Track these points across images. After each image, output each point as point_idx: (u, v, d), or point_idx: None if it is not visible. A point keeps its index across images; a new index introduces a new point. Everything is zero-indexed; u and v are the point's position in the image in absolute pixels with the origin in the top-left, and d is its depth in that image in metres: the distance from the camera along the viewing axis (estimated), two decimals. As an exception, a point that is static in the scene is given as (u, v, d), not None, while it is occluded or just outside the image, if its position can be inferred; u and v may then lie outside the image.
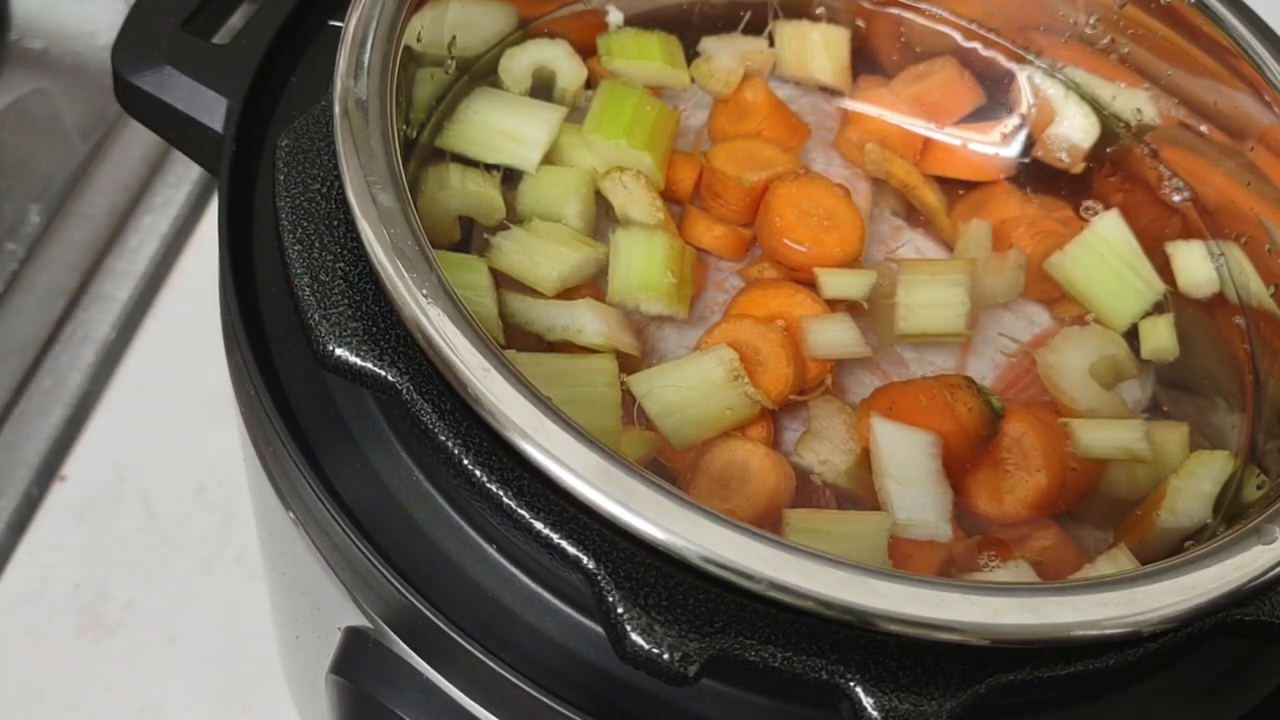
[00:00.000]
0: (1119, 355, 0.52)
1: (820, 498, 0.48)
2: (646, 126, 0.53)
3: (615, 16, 0.59)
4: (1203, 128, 0.57)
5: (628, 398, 0.47)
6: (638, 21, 0.59)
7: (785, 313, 0.50)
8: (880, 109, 0.59)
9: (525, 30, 0.58)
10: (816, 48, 0.60)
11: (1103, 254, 0.54)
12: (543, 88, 0.56)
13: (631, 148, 0.53)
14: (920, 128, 0.59)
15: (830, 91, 0.60)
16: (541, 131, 0.53)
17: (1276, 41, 0.54)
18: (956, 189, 0.58)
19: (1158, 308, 0.54)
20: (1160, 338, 0.53)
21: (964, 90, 0.60)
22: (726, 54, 0.59)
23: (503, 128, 0.53)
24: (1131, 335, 0.54)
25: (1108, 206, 0.56)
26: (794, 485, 0.47)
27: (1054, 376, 0.51)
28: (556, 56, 0.56)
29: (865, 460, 0.47)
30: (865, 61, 0.61)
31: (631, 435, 0.47)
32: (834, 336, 0.50)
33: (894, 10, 0.62)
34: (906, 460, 0.46)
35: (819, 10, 0.62)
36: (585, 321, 0.48)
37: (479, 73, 0.56)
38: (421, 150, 0.53)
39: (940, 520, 0.46)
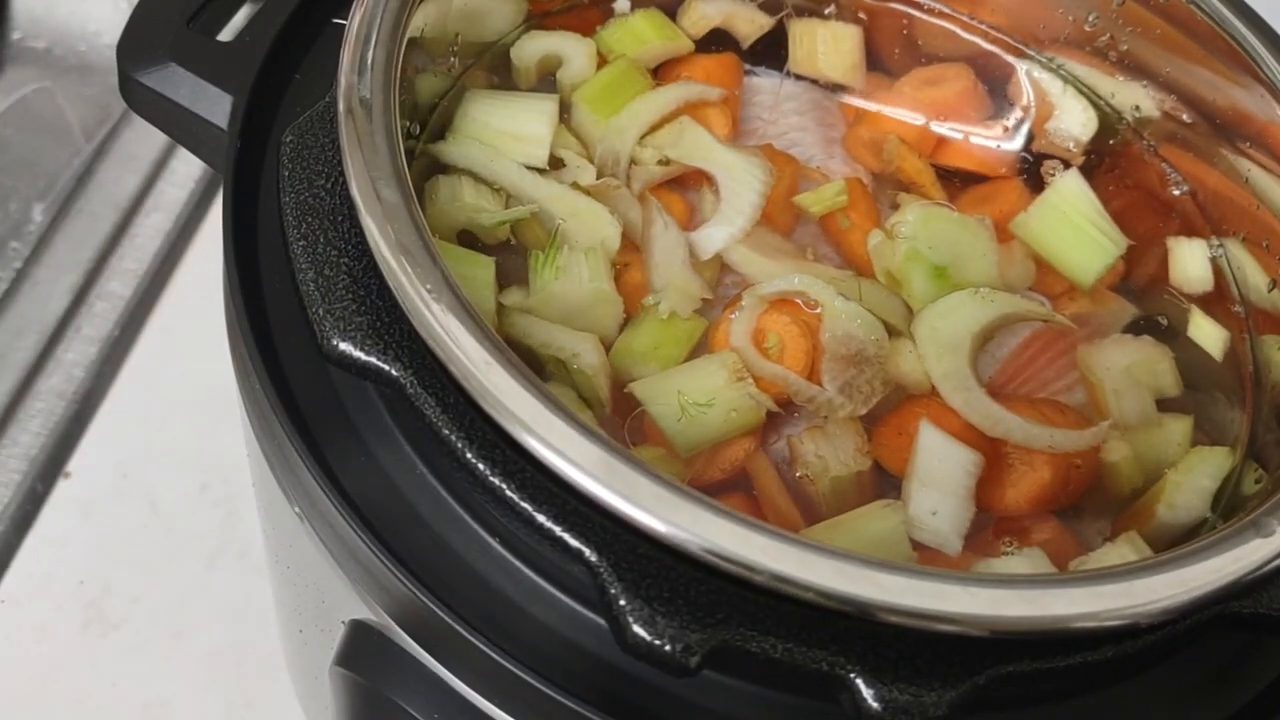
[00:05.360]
0: (1164, 368, 0.53)
1: (799, 497, 0.48)
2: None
3: (623, 4, 0.59)
4: (1200, 123, 0.57)
5: (630, 404, 0.48)
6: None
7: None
8: (893, 109, 0.60)
9: (529, 25, 0.58)
10: (828, 45, 0.60)
11: (1065, 212, 0.55)
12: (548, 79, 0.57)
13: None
14: (933, 127, 0.60)
15: (839, 89, 0.61)
16: (541, 124, 0.53)
17: (1273, 38, 0.54)
18: (963, 183, 0.59)
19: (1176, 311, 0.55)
20: (1208, 339, 0.54)
21: (978, 100, 0.60)
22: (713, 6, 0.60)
23: (503, 129, 0.53)
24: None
25: (1107, 200, 0.57)
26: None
27: (1098, 372, 0.52)
28: (567, 45, 0.57)
29: (862, 480, 0.48)
30: (867, 57, 0.61)
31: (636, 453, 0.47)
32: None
33: (896, 5, 0.62)
34: (943, 470, 0.47)
35: (828, 10, 0.62)
36: (584, 352, 0.48)
37: (483, 68, 0.56)
38: (425, 155, 0.53)
39: (954, 533, 0.46)
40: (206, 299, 0.72)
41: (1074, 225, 0.55)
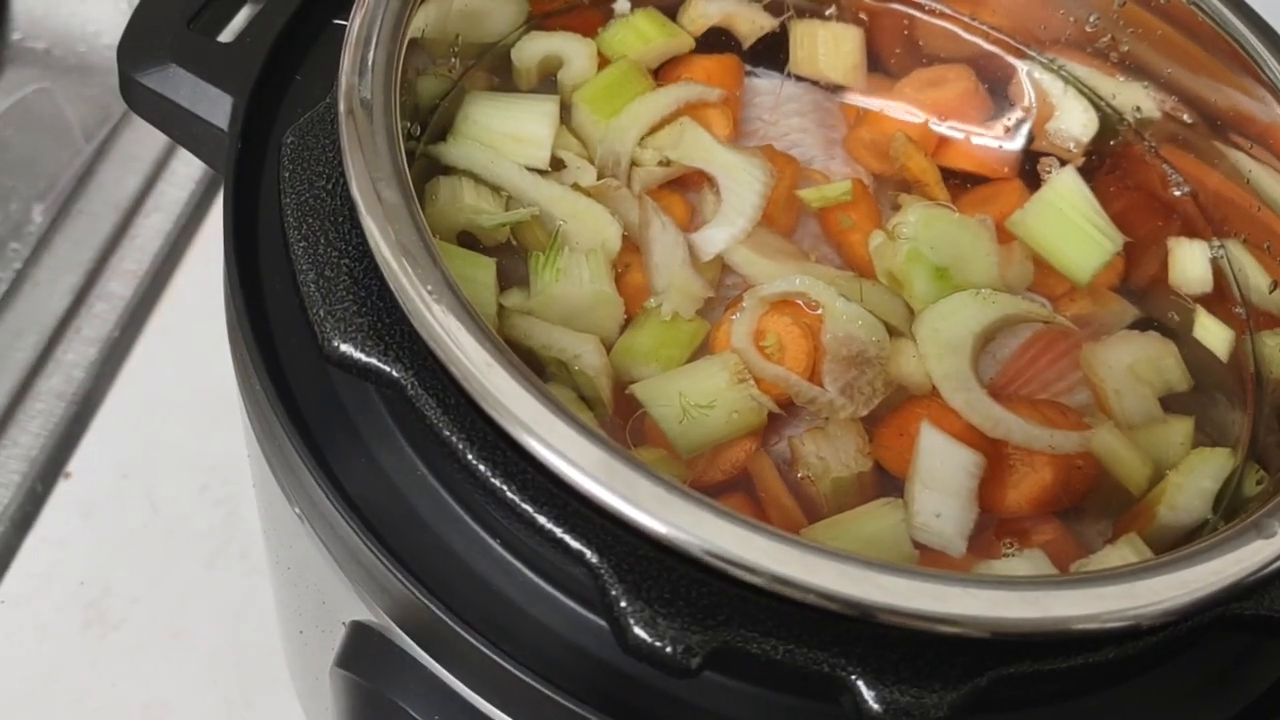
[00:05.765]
0: (1170, 364, 0.53)
1: (800, 497, 0.48)
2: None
3: (623, 4, 0.59)
4: (1201, 124, 0.57)
5: (632, 406, 0.48)
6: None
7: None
8: (894, 110, 0.60)
9: (530, 26, 0.58)
10: (829, 46, 0.60)
11: (1062, 209, 0.55)
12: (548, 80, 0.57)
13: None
14: (933, 127, 0.60)
15: (840, 90, 0.61)
16: (542, 126, 0.53)
17: (1275, 39, 0.54)
18: (964, 184, 0.59)
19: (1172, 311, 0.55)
20: (1213, 339, 0.54)
21: (979, 101, 0.60)
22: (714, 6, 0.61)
23: (504, 130, 0.53)
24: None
25: (1108, 201, 0.57)
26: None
27: (1100, 372, 0.52)
28: (568, 46, 0.57)
29: (863, 481, 0.48)
30: (868, 58, 0.61)
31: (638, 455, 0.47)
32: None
33: (897, 7, 0.62)
34: (945, 472, 0.47)
35: (829, 11, 0.62)
36: (585, 354, 0.48)
37: (484, 69, 0.56)
38: (426, 156, 0.53)
39: (958, 535, 0.46)
40: (207, 300, 0.72)
41: (1070, 222, 0.55)
